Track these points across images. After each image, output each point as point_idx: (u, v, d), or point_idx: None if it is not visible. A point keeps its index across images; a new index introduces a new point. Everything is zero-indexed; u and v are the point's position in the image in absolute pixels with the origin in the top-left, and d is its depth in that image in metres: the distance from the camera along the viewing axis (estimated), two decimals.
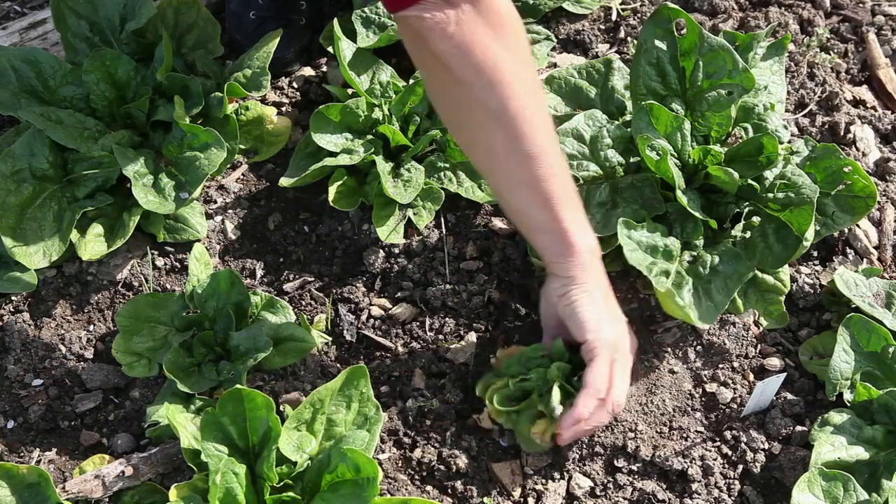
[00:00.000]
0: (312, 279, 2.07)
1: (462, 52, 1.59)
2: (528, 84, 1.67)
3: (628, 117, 2.10)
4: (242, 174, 2.23)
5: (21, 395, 1.92)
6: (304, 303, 2.04)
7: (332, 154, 2.10)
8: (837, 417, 1.77)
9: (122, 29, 2.19)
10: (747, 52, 2.09)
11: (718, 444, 1.84)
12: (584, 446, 1.83)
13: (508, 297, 2.03)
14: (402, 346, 1.97)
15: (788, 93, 2.31)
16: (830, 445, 1.73)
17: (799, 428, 1.84)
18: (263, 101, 2.30)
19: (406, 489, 1.77)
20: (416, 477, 1.81)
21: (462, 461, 1.80)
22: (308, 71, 2.40)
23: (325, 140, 2.09)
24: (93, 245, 2.00)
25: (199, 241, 2.08)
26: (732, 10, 2.52)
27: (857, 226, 2.09)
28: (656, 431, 1.86)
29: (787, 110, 2.30)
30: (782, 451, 1.82)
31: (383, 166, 2.05)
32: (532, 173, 1.68)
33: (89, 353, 1.97)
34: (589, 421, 1.69)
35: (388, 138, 2.12)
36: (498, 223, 2.10)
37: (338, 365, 1.96)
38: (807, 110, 2.32)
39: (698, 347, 1.94)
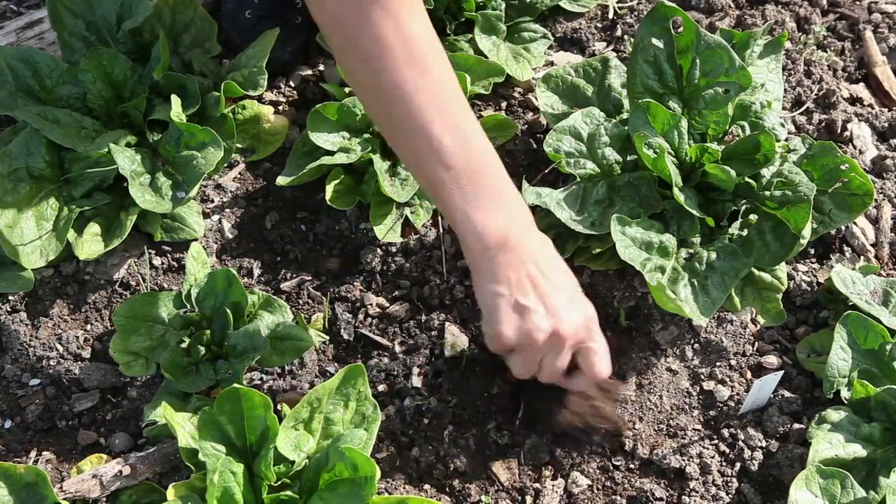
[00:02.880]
0: (310, 278, 2.07)
1: (332, 23, 1.54)
2: (409, 58, 1.53)
3: (625, 115, 2.10)
4: (239, 173, 2.23)
5: (18, 395, 1.92)
6: (301, 302, 2.04)
7: (330, 153, 2.10)
8: (835, 415, 1.77)
9: (118, 28, 2.19)
10: (744, 50, 2.09)
11: (716, 441, 1.84)
12: (583, 444, 1.83)
13: None
14: (400, 345, 1.97)
15: (785, 91, 2.31)
16: (828, 443, 1.73)
17: (796, 426, 1.84)
18: (260, 99, 2.30)
19: (404, 488, 1.77)
20: (414, 475, 1.81)
21: (460, 460, 1.80)
22: (305, 70, 2.39)
23: (322, 139, 2.09)
24: (90, 244, 2.00)
25: (196, 240, 2.08)
26: (729, 8, 2.52)
27: (855, 223, 2.10)
28: (654, 429, 1.86)
29: (784, 108, 2.30)
30: (780, 448, 1.82)
31: (380, 165, 2.05)
32: (414, 155, 1.58)
33: (86, 353, 1.97)
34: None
35: None
36: None
37: (335, 364, 1.96)
38: (804, 108, 2.32)
39: (696, 346, 1.94)
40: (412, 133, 1.56)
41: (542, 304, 1.59)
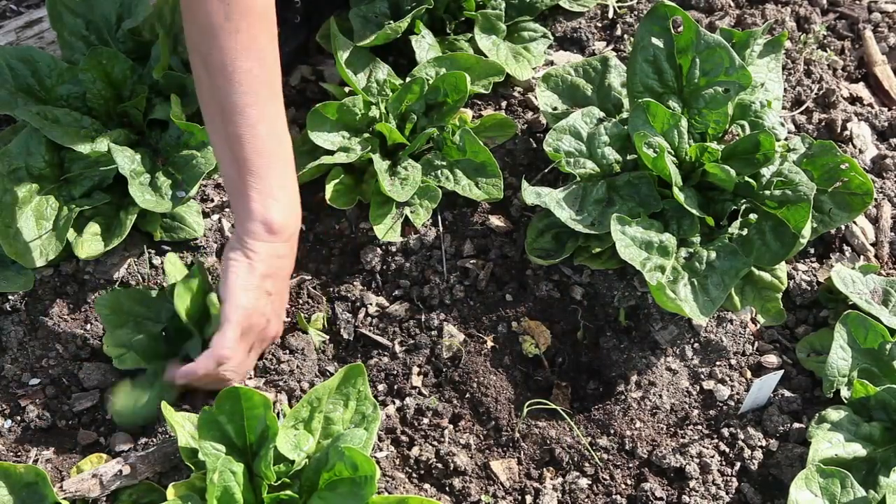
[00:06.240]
0: (310, 277, 2.07)
1: None
2: (240, 43, 1.69)
3: (625, 115, 2.10)
4: None
5: (18, 395, 1.92)
6: (301, 301, 2.04)
7: (329, 152, 2.10)
8: (835, 414, 1.78)
9: (118, 27, 2.19)
10: (744, 50, 2.09)
11: (716, 441, 1.84)
12: (581, 443, 1.83)
13: (505, 295, 2.03)
14: (400, 345, 1.97)
15: (785, 90, 2.31)
16: (828, 442, 1.73)
17: (796, 425, 1.84)
18: None
19: (404, 487, 1.77)
20: (414, 475, 1.81)
21: (460, 459, 1.80)
22: (305, 69, 2.40)
23: (321, 138, 2.09)
24: (89, 244, 2.00)
25: (196, 239, 2.08)
26: (729, 7, 2.52)
27: (854, 223, 2.10)
28: (654, 429, 1.86)
29: (783, 107, 2.30)
30: (780, 448, 1.82)
31: (380, 164, 2.05)
32: (227, 129, 1.73)
33: (86, 352, 1.97)
34: (201, 379, 1.77)
35: (385, 136, 2.12)
36: (495, 221, 2.10)
37: (335, 363, 1.96)
38: (804, 107, 2.32)
39: (696, 345, 1.94)
40: (227, 111, 1.74)
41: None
